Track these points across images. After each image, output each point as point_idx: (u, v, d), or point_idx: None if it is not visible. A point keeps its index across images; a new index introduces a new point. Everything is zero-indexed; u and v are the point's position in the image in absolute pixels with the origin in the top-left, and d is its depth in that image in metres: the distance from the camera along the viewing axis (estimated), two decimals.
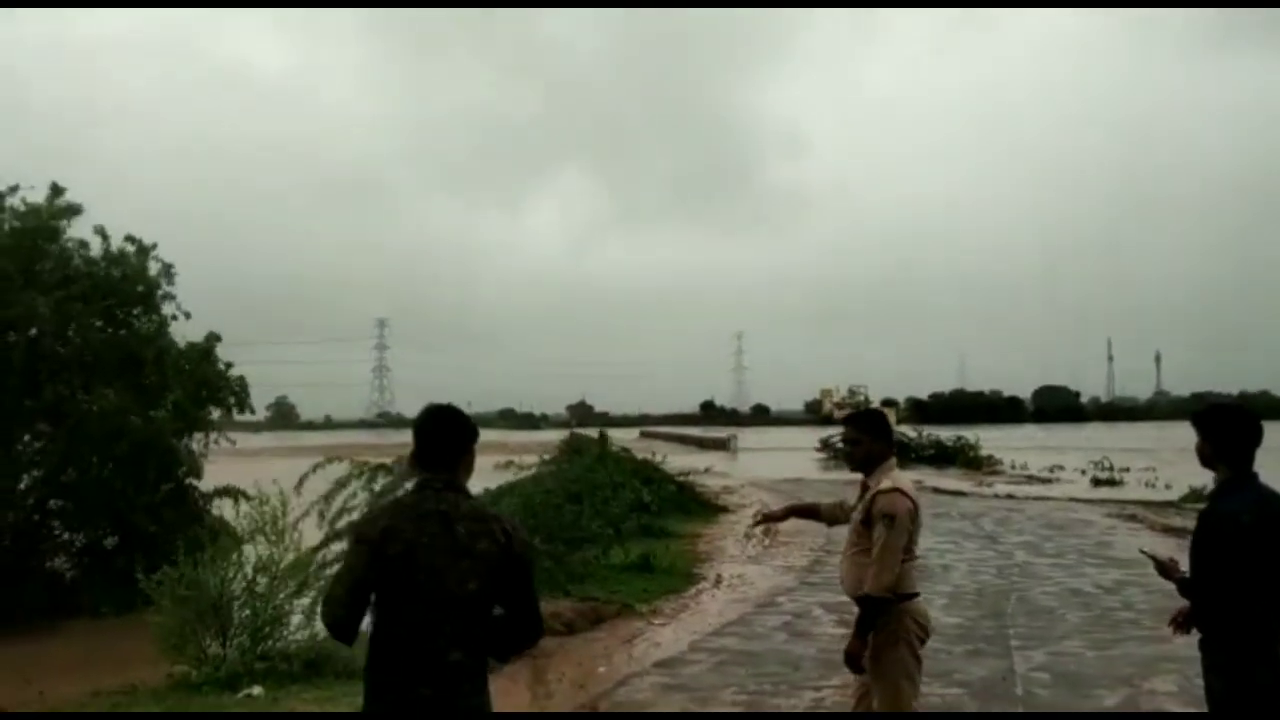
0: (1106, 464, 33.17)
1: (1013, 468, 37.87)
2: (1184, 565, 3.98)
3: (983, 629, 9.63)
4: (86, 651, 12.78)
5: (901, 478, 4.68)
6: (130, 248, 16.64)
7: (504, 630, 3.19)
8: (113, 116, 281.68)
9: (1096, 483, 30.39)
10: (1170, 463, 37.24)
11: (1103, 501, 23.95)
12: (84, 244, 16.36)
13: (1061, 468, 36.94)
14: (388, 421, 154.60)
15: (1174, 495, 25.07)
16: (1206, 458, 3.90)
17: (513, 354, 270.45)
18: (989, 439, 44.93)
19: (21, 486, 15.78)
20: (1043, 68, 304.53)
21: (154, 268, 16.86)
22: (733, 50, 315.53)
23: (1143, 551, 4.49)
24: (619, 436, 41.24)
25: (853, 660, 4.54)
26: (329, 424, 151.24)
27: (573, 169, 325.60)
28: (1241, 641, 3.63)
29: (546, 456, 34.83)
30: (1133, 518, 19.30)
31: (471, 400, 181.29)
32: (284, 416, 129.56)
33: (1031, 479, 33.48)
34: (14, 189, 15.93)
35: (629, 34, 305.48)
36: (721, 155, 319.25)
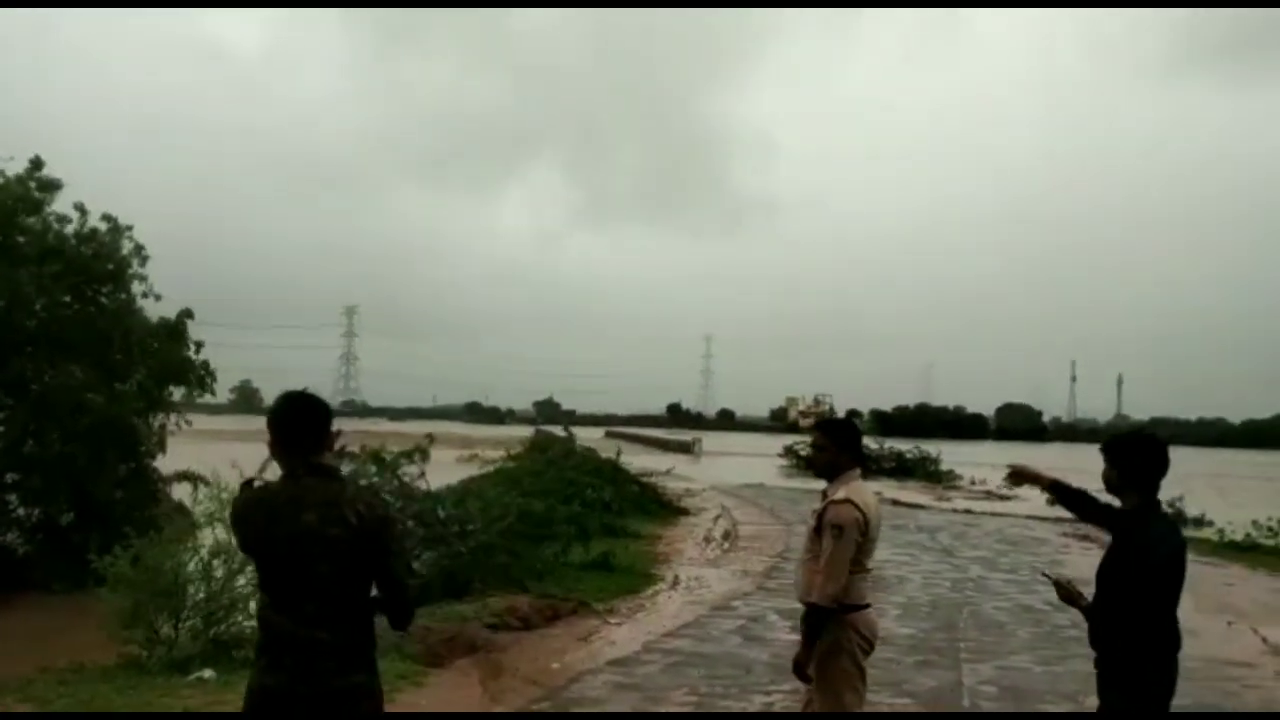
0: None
1: (972, 483, 38.15)
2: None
3: (934, 641, 9.76)
4: (35, 627, 12.67)
5: (861, 489, 4.71)
6: (104, 226, 16.51)
7: (381, 605, 3.33)
8: (82, 92, 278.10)
9: (1053, 502, 30.60)
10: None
11: (1058, 520, 24.14)
12: (64, 219, 16.24)
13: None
14: (353, 409, 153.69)
15: None
16: (1113, 485, 4.03)
17: (479, 347, 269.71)
18: (950, 454, 45.30)
19: None
20: (1012, 86, 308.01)
21: (126, 247, 16.75)
22: (704, 52, 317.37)
23: (1044, 575, 4.55)
24: (584, 435, 41.17)
25: (798, 669, 4.65)
26: None
27: (542, 164, 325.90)
28: (1142, 662, 3.79)
29: (511, 452, 34.82)
30: (1086, 537, 19.51)
31: (437, 393, 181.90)
32: (247, 400, 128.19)
33: (990, 495, 33.73)
34: None
35: (601, 31, 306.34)
36: (691, 157, 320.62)
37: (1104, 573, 3.93)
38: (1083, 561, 14.86)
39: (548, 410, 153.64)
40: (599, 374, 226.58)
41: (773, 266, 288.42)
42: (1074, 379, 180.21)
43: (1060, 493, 4.50)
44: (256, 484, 3.41)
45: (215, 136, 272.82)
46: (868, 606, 4.73)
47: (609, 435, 71.82)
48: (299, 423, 3.34)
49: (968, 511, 25.87)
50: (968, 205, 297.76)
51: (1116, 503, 4.12)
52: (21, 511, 16.52)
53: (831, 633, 4.56)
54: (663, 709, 7.22)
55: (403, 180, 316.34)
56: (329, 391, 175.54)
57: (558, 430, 50.33)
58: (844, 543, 4.51)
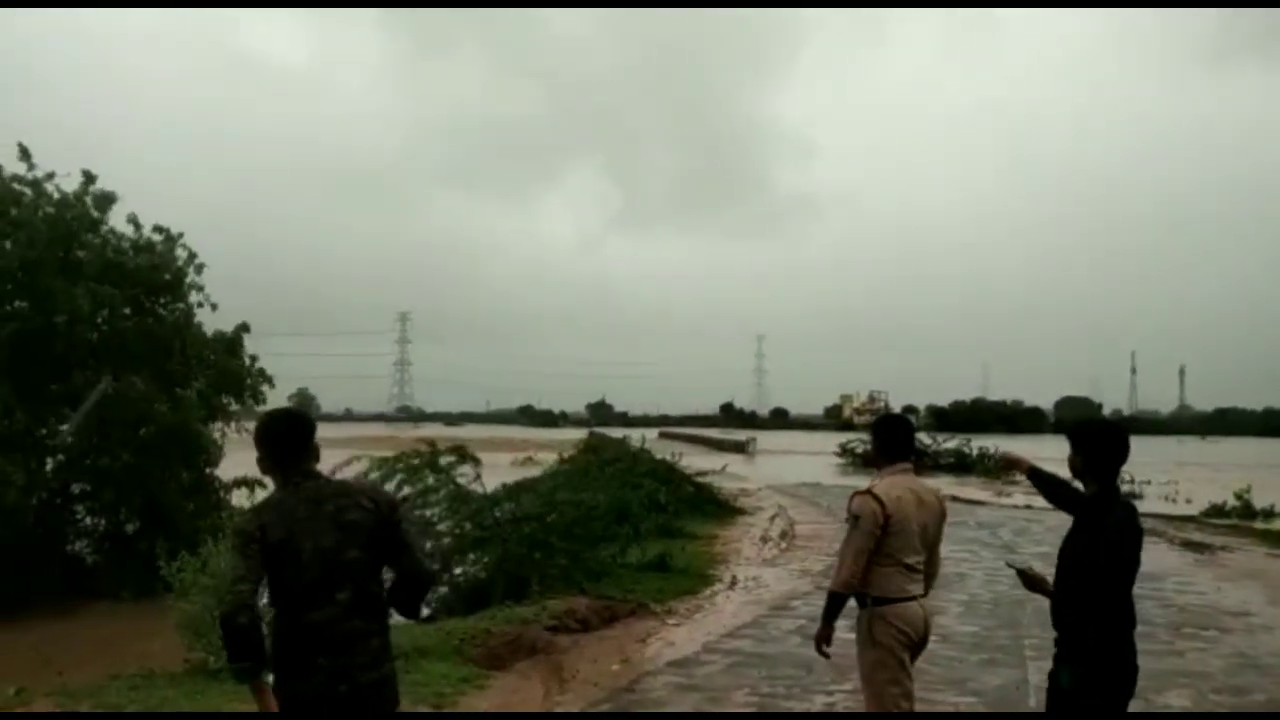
0: (1127, 477, 32.94)
1: None
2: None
3: (998, 638, 9.61)
4: (105, 635, 12.94)
5: (894, 483, 4.81)
6: (158, 237, 16.81)
7: (397, 587, 3.47)
8: (131, 105, 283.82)
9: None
10: (1191, 478, 37.05)
11: None
12: (120, 235, 16.55)
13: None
14: (407, 415, 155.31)
15: (1194, 510, 24.92)
16: (1077, 470, 4.15)
17: (529, 351, 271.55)
18: (1009, 449, 44.65)
19: (47, 470, 15.99)
20: (1059, 75, 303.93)
21: (181, 256, 17.05)
22: (740, 53, 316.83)
23: (1009, 564, 4.59)
24: (638, 436, 41.22)
25: (817, 644, 4.83)
26: (349, 416, 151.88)
27: (581, 168, 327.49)
28: (1094, 639, 3.94)
29: (565, 454, 34.93)
30: (1152, 531, 19.18)
31: (490, 398, 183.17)
32: (304, 408, 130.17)
33: None
34: (50, 175, 16.11)
35: (640, 34, 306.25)
36: (730, 157, 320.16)
37: (1063, 554, 4.07)
38: (1149, 556, 14.54)
39: (600, 412, 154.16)
40: (649, 375, 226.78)
41: (818, 264, 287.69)
42: (1134, 371, 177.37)
43: (1036, 478, 4.61)
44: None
45: (261, 147, 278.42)
46: (909, 600, 4.73)
47: (663, 436, 71.85)
48: (294, 437, 3.50)
49: (1028, 507, 25.45)
50: (1014, 199, 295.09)
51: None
52: (89, 521, 16.91)
53: (865, 624, 4.72)
54: (724, 710, 7.18)
55: (444, 187, 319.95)
56: (384, 398, 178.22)
57: (611, 432, 50.52)
58: (857, 531, 4.69)
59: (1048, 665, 8.52)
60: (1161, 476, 35.32)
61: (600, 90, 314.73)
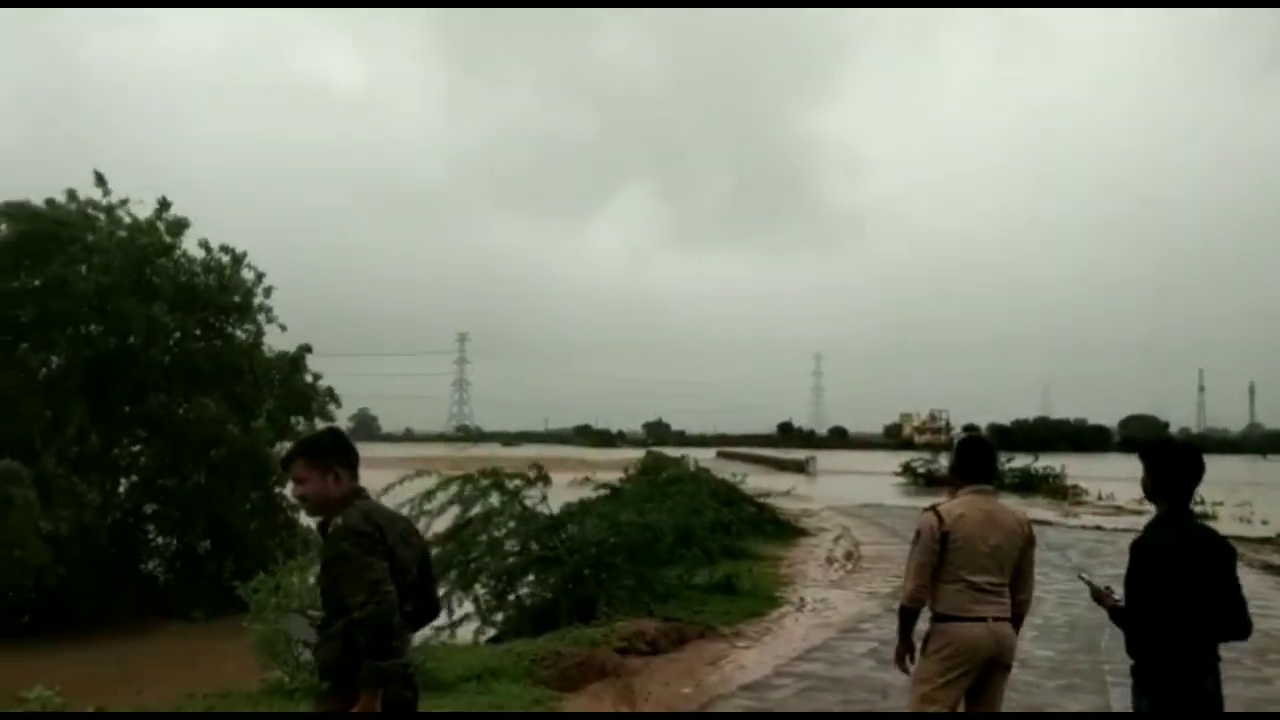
0: (1198, 498, 32.09)
1: (1099, 498, 36.94)
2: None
3: (1076, 663, 9.39)
4: (180, 653, 13.14)
5: (960, 503, 4.85)
6: (225, 258, 17.12)
7: (420, 615, 3.69)
8: (191, 128, 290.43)
9: None
10: (1265, 498, 36.05)
11: None
12: (191, 259, 16.91)
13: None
14: (466, 435, 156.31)
15: (1270, 531, 24.22)
16: (1148, 490, 4.13)
17: (586, 370, 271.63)
18: (1074, 468, 43.88)
19: (120, 490, 16.32)
20: (1116, 86, 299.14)
21: (249, 278, 17.35)
22: (792, 69, 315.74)
23: (1080, 577, 4.54)
24: (696, 456, 41.11)
25: (897, 660, 5.00)
26: (409, 436, 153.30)
27: (632, 188, 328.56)
28: (1169, 668, 3.88)
29: (623, 475, 34.91)
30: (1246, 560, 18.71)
31: (548, 416, 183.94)
32: (365, 428, 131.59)
33: (1119, 510, 32.57)
34: (124, 202, 16.50)
35: (689, 52, 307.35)
36: (782, 174, 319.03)
37: (1128, 581, 4.03)
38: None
39: (658, 431, 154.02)
40: (706, 394, 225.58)
41: (873, 280, 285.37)
42: (1202, 389, 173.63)
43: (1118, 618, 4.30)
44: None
45: (318, 169, 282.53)
46: (975, 620, 4.72)
47: (720, 455, 71.74)
48: (353, 450, 3.63)
49: (1098, 528, 24.98)
50: (1073, 212, 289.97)
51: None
52: (160, 541, 17.22)
53: (926, 636, 4.84)
54: None
55: (499, 207, 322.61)
56: (443, 417, 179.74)
57: (668, 451, 50.41)
58: (919, 547, 4.82)
59: (1129, 692, 8.38)
60: (1234, 497, 34.41)
61: (650, 108, 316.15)
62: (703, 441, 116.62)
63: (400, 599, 3.35)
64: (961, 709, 4.87)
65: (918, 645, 4.92)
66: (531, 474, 11.47)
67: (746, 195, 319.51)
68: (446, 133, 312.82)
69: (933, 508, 4.91)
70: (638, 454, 61.99)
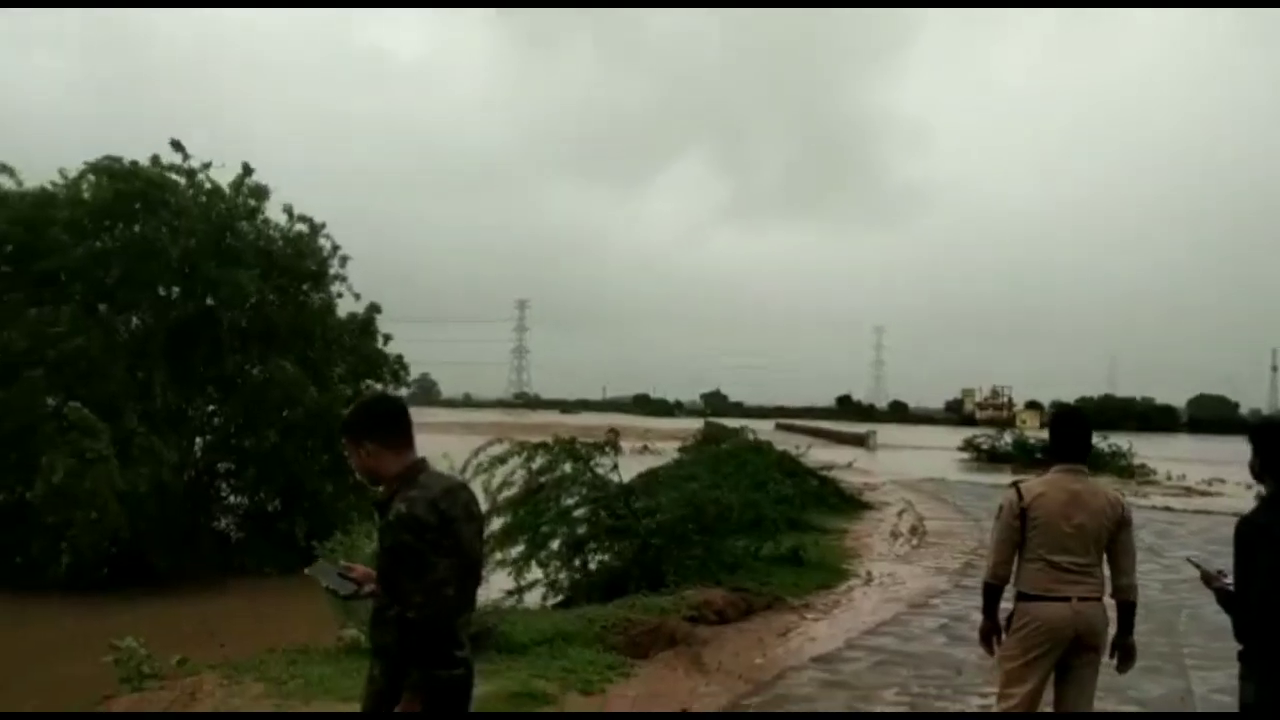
0: None
1: (1168, 478, 36.28)
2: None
3: (1154, 645, 9.20)
4: (256, 610, 13.42)
5: (1043, 480, 4.82)
6: (303, 227, 17.34)
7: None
8: (252, 95, 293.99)
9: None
10: None
11: None
12: (273, 224, 17.15)
13: (1222, 481, 35.20)
14: (524, 402, 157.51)
15: None
16: (1256, 472, 4.07)
17: (644, 340, 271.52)
18: (1141, 447, 43.06)
19: (195, 449, 16.67)
20: (1190, 59, 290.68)
21: (325, 247, 17.58)
22: (854, 41, 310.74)
23: (1189, 560, 4.46)
24: (754, 427, 41.04)
25: (982, 638, 5.00)
26: (468, 402, 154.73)
27: (695, 157, 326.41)
28: (1270, 652, 3.81)
29: (682, 445, 34.98)
30: None
31: (606, 385, 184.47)
32: (426, 393, 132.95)
33: (1189, 491, 31.98)
34: (206, 166, 16.75)
35: (750, 23, 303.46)
36: (842, 147, 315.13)
37: (1236, 563, 4.01)
38: None
39: (716, 402, 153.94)
40: (764, 366, 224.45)
41: (933, 254, 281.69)
42: (1275, 368, 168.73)
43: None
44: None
45: (380, 139, 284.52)
46: (1057, 600, 4.68)
47: (779, 427, 71.47)
48: (408, 418, 3.40)
49: (1167, 509, 24.52)
50: (1141, 188, 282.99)
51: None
52: (233, 499, 17.58)
53: (1009, 614, 4.83)
54: (875, 709, 7.06)
55: (555, 178, 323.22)
56: (502, 384, 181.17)
57: (726, 422, 50.33)
58: (999, 524, 4.85)
59: (1210, 676, 8.28)
60: None
61: (710, 79, 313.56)
62: (761, 413, 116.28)
63: (464, 578, 3.24)
64: (1049, 691, 4.84)
65: (1003, 624, 4.89)
66: (605, 440, 11.50)
67: (807, 168, 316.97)
68: (508, 102, 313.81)
69: (1014, 484, 4.90)
70: (695, 424, 61.95)
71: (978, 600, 11.12)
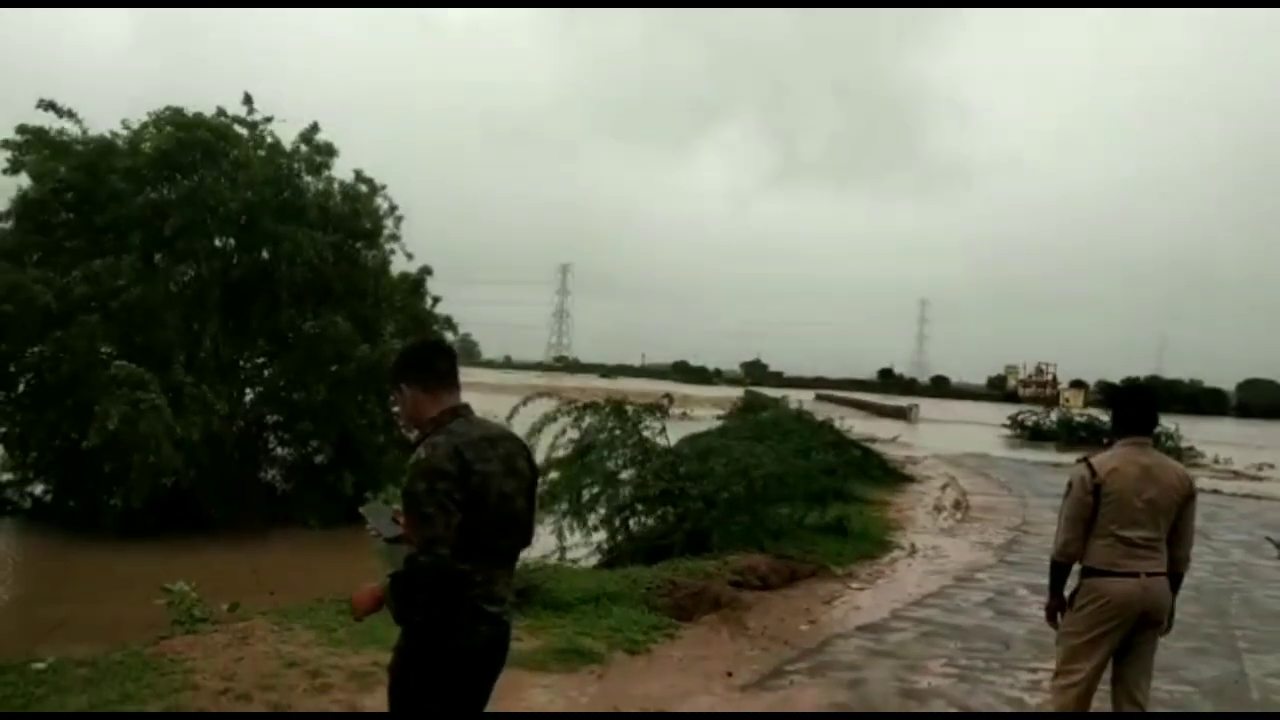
0: None
1: (1215, 462, 35.78)
2: None
3: (1205, 627, 9.12)
4: (299, 560, 13.61)
5: (1117, 454, 4.75)
6: (362, 186, 17.43)
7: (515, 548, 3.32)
8: (305, 58, 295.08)
9: None
10: None
11: None
12: (332, 180, 17.24)
13: (1271, 465, 34.69)
14: (564, 365, 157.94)
15: None
16: None
17: (685, 306, 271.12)
18: (1188, 430, 42.40)
19: (245, 401, 16.87)
20: (1245, 37, 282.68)
21: (382, 207, 17.68)
22: (905, 14, 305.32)
23: (1269, 539, 4.37)
24: (794, 397, 40.91)
25: (1048, 615, 4.99)
26: (509, 364, 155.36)
27: (740, 124, 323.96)
28: None
29: (721, 413, 34.94)
30: None
31: (645, 351, 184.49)
32: (468, 353, 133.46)
33: (1237, 475, 31.53)
34: (269, 120, 16.83)
35: None
36: (890, 119, 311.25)
37: None
38: None
39: (755, 371, 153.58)
40: (805, 336, 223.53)
41: (979, 228, 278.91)
42: None
43: None
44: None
45: (424, 99, 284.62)
46: (1127, 575, 4.63)
47: (819, 398, 71.15)
48: (452, 361, 3.30)
49: (1215, 492, 24.14)
50: (1192, 167, 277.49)
51: None
52: (280, 451, 17.78)
53: (1075, 590, 4.80)
54: (922, 679, 7.03)
55: (604, 139, 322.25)
56: (542, 347, 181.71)
57: (766, 391, 50.17)
58: (1069, 500, 4.77)
59: (1264, 660, 8.14)
60: None
61: (759, 48, 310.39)
62: (801, 383, 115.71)
63: (499, 533, 3.12)
64: (1108, 668, 4.80)
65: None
66: (656, 403, 11.50)
67: (854, 138, 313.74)
68: (553, 64, 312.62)
69: (1085, 459, 4.81)
70: (734, 392, 61.83)
71: (1024, 576, 11.13)
